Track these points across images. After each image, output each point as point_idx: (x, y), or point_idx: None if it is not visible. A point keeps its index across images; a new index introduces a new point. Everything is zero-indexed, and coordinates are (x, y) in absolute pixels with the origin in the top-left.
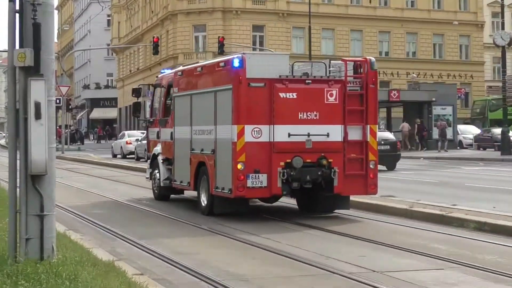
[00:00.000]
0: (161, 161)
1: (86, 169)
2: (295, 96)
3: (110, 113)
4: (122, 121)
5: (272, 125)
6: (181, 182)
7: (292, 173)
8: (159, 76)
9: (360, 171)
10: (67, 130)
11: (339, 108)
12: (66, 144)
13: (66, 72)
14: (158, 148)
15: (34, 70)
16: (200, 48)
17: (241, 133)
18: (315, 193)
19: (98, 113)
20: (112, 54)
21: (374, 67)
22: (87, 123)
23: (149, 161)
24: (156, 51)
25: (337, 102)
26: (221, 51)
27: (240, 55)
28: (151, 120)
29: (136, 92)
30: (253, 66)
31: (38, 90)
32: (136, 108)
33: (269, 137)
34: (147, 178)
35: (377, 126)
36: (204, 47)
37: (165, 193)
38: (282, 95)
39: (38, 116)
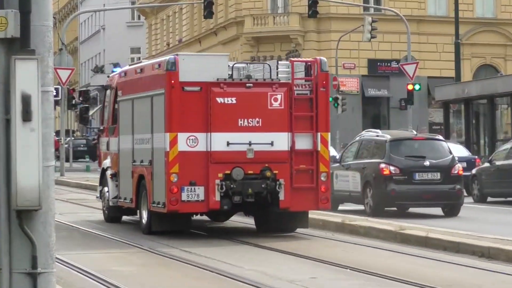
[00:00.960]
0: (110, 176)
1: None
2: (234, 101)
3: None
4: None
5: (209, 133)
6: (125, 199)
7: (232, 185)
8: (110, 75)
9: (310, 183)
10: (69, 139)
11: (285, 114)
12: (67, 160)
13: (68, 47)
14: (107, 161)
15: (21, 44)
16: (280, 8)
17: (174, 142)
18: (265, 210)
19: None
20: (138, 17)
21: (325, 68)
22: None
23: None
24: (209, 13)
25: (282, 108)
26: (313, 13)
27: (172, 56)
28: (101, 128)
29: (84, 95)
30: (188, 68)
31: (27, 76)
32: (83, 114)
33: (206, 146)
34: (97, 197)
35: (329, 134)
36: (285, 7)
37: (115, 214)
38: (219, 100)
39: (27, 116)
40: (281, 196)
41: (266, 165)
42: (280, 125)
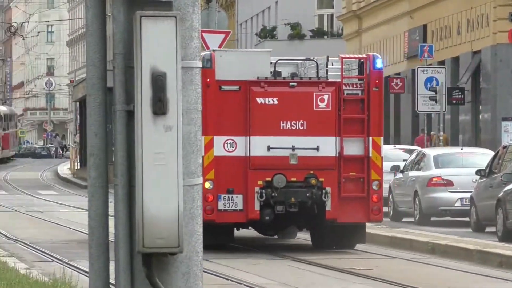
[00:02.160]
0: None
1: None
2: (276, 102)
3: None
4: None
5: (249, 137)
6: None
7: (273, 194)
8: None
9: (360, 193)
10: None
11: (332, 116)
12: None
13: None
14: None
15: None
16: None
17: (209, 146)
18: (313, 222)
19: None
20: None
21: (378, 65)
22: None
23: None
24: None
25: (329, 109)
26: None
27: (208, 52)
28: None
29: None
30: (225, 65)
31: (159, 43)
32: None
33: (244, 150)
34: None
35: (381, 138)
36: None
37: None
38: (260, 100)
39: (159, 107)
40: (328, 206)
41: (311, 172)
42: (327, 129)
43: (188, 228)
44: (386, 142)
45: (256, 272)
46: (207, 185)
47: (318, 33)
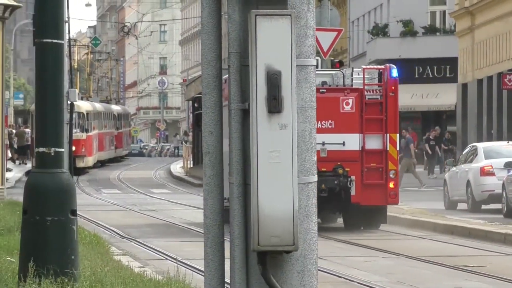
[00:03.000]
0: None
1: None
2: None
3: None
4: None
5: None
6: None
7: None
8: None
9: (379, 180)
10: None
11: (356, 116)
12: None
13: None
14: None
15: None
16: None
17: None
18: (339, 205)
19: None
20: None
21: (393, 74)
22: None
23: None
24: None
25: (353, 111)
26: None
27: None
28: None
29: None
30: None
31: (274, 42)
32: (198, 119)
33: None
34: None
35: (397, 134)
36: None
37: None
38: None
39: (275, 105)
40: (352, 192)
41: (338, 163)
42: (351, 127)
43: (303, 226)
44: (500, 138)
45: (368, 270)
46: None
47: (431, 30)
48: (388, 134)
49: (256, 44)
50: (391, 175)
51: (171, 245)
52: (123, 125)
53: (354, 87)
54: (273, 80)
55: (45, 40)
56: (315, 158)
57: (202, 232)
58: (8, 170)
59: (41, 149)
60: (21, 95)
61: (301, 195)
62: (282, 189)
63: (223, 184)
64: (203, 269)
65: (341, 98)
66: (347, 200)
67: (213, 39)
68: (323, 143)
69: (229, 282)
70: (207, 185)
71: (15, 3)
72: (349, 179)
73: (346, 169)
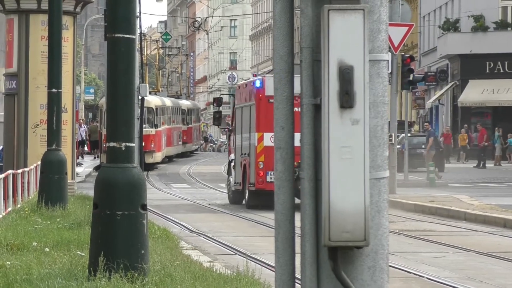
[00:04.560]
0: (232, 166)
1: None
2: None
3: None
4: None
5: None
6: (236, 183)
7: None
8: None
9: None
10: (402, 136)
11: None
12: (400, 170)
13: None
14: (232, 155)
15: None
16: None
17: (261, 139)
18: None
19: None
20: None
21: None
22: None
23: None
24: None
25: None
26: None
27: (260, 77)
28: (230, 128)
29: (218, 101)
30: (271, 85)
31: (347, 37)
32: (216, 117)
33: None
34: (226, 184)
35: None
36: None
37: (236, 196)
38: (295, 109)
39: (347, 101)
40: None
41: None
42: None
43: (374, 222)
44: None
45: (437, 265)
46: (261, 165)
47: (502, 25)
48: None
49: (328, 39)
50: None
51: (240, 240)
52: (193, 120)
53: None
54: (346, 75)
55: (116, 35)
56: (387, 154)
57: (271, 227)
58: (78, 164)
59: (112, 144)
60: (92, 90)
61: (373, 191)
62: (353, 185)
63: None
64: (272, 264)
65: None
66: None
67: (285, 34)
68: None
69: (299, 277)
70: (278, 180)
71: None
72: None
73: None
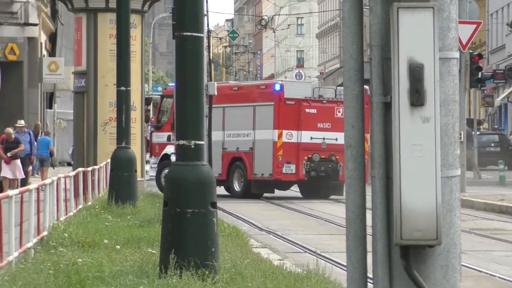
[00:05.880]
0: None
1: None
2: (315, 112)
3: None
4: None
5: (300, 131)
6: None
7: (312, 164)
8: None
9: None
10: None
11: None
12: (469, 168)
13: None
14: (168, 149)
15: None
16: None
17: (280, 135)
18: (328, 181)
19: None
20: None
21: (367, 93)
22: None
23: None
24: None
25: (342, 117)
26: None
27: (280, 82)
28: (158, 125)
29: (147, 100)
30: (289, 90)
31: (416, 35)
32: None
33: (297, 139)
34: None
35: (369, 135)
36: None
37: None
38: (307, 110)
39: (417, 99)
40: (340, 172)
41: (332, 153)
42: (341, 128)
43: (446, 220)
44: None
45: (510, 264)
46: (280, 158)
47: None
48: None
49: (398, 37)
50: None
51: (309, 238)
52: None
53: (340, 100)
54: (416, 73)
55: (184, 33)
56: (458, 152)
57: (341, 225)
58: (148, 162)
59: (181, 142)
60: (160, 88)
61: (444, 189)
62: (425, 183)
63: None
64: (342, 263)
65: (335, 107)
66: (337, 179)
67: (355, 32)
68: (324, 138)
69: (371, 276)
70: (348, 179)
71: None
72: (338, 164)
73: (337, 157)
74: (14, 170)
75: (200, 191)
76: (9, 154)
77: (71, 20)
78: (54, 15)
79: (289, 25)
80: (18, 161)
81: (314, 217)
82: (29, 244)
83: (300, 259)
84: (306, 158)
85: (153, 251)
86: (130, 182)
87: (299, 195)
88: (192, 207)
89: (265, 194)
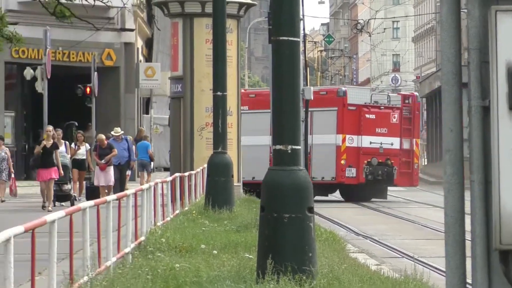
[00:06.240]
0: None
1: None
2: (374, 117)
3: None
4: None
5: (361, 136)
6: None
7: (370, 168)
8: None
9: (407, 169)
10: None
11: (398, 126)
12: None
13: None
14: None
15: None
16: None
17: (343, 140)
18: (382, 185)
19: None
20: None
21: (418, 100)
22: None
23: None
24: None
25: (397, 122)
26: None
27: (343, 88)
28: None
29: None
30: (351, 95)
31: None
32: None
33: (358, 143)
34: None
35: (419, 139)
36: None
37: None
38: (367, 115)
39: None
40: (395, 176)
41: (388, 157)
42: (396, 133)
43: None
44: None
45: None
46: (343, 162)
47: None
48: (414, 139)
49: (496, 40)
50: (415, 166)
51: (406, 243)
52: None
53: (397, 106)
54: None
55: (281, 38)
56: None
57: (438, 230)
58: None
59: (278, 147)
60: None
61: None
62: None
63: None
64: (440, 268)
65: (391, 113)
66: (391, 182)
67: (452, 36)
68: (381, 143)
69: (470, 281)
70: (447, 183)
71: (250, 1)
72: (394, 168)
73: (392, 161)
74: (107, 177)
75: (297, 196)
76: (103, 161)
77: (167, 25)
78: (150, 20)
79: (385, 28)
80: (111, 168)
81: (411, 221)
82: (127, 249)
83: (397, 264)
84: (365, 162)
85: (250, 256)
86: (227, 187)
87: (334, 198)
88: (289, 212)
89: (318, 197)
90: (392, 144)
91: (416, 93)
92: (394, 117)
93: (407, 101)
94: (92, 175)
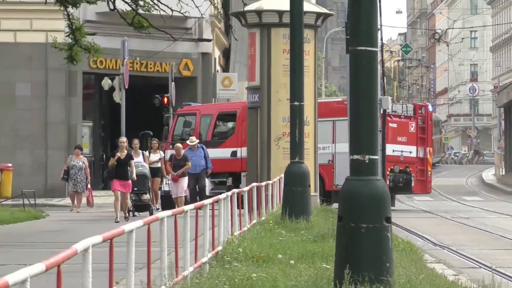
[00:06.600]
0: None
1: None
2: (396, 126)
3: None
4: None
5: (385, 144)
6: None
7: (392, 176)
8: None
9: (422, 177)
10: None
11: (415, 135)
12: None
13: None
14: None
15: None
16: None
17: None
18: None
19: None
20: None
21: (430, 109)
22: None
23: None
24: None
25: (414, 132)
26: None
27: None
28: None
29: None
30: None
31: None
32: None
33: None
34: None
35: (432, 148)
36: None
37: None
38: (390, 124)
39: None
40: (412, 183)
41: (407, 165)
42: (413, 142)
43: None
44: None
45: None
46: (429, 173)
47: None
48: (428, 148)
49: None
50: (429, 174)
51: (484, 253)
52: (434, 132)
53: (413, 116)
54: None
55: (359, 48)
56: None
57: None
58: None
59: (355, 157)
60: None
61: None
62: None
63: None
64: None
65: (409, 123)
66: (409, 189)
67: None
68: (402, 151)
69: None
70: None
71: (327, 12)
72: (412, 175)
73: (410, 169)
74: (179, 188)
75: (375, 206)
76: (176, 174)
77: (244, 36)
78: (227, 30)
79: (462, 38)
80: (184, 179)
81: (489, 232)
82: (204, 259)
83: (475, 275)
84: (389, 169)
85: (328, 266)
86: (304, 197)
87: (411, 208)
88: (367, 222)
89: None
90: (410, 152)
91: (428, 104)
92: (412, 126)
93: (420, 111)
94: (162, 184)
